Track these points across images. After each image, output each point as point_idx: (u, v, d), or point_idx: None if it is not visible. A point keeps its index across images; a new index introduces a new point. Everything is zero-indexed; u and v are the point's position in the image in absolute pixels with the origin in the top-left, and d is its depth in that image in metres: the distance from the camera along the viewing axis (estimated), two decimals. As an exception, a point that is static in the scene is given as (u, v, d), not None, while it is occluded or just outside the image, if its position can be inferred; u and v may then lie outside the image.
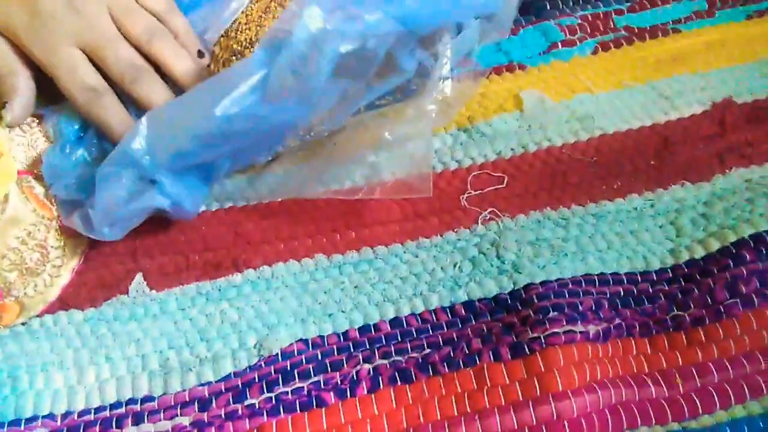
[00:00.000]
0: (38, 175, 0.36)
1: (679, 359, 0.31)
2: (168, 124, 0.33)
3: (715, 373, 0.31)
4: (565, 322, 0.31)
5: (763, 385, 0.30)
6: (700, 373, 0.31)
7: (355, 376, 0.32)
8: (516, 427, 0.29)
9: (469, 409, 0.30)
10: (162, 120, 0.33)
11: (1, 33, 0.37)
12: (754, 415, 0.30)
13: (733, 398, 0.30)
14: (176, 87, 0.38)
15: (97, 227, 0.34)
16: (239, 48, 0.37)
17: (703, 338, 0.32)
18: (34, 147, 0.36)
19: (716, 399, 0.30)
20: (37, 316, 0.34)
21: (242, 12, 0.40)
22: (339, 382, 0.31)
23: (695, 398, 0.30)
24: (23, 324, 0.34)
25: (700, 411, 0.30)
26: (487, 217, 0.37)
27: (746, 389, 0.30)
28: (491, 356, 0.31)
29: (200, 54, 0.39)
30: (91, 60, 0.36)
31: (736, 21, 0.44)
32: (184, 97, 0.34)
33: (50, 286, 0.34)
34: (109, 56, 0.36)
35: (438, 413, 0.30)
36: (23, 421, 0.31)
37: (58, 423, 0.31)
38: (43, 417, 0.31)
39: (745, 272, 0.33)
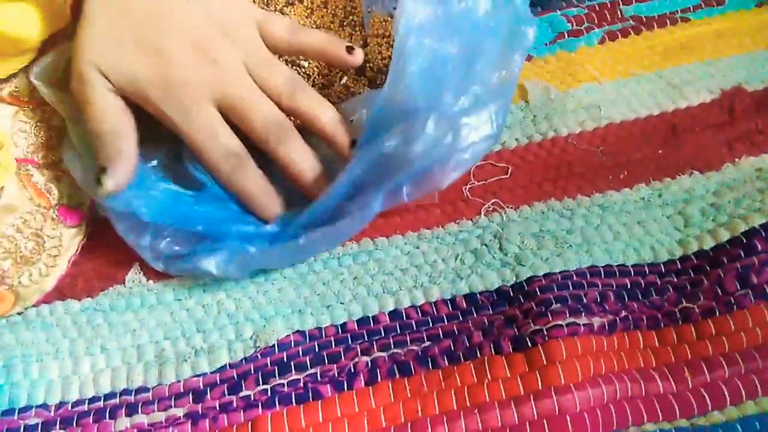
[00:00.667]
0: (39, 163, 0.35)
1: (688, 353, 0.30)
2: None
3: (725, 367, 0.30)
4: (568, 314, 0.31)
5: (775, 379, 0.29)
6: (710, 368, 0.30)
7: (352, 369, 0.31)
8: (517, 421, 0.28)
9: (468, 403, 0.29)
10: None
11: (123, 89, 0.32)
12: (766, 412, 0.29)
13: (744, 394, 0.29)
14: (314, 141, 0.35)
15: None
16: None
17: (713, 331, 0.31)
18: (38, 134, 0.36)
19: (726, 395, 0.29)
20: (33, 306, 0.34)
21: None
22: (336, 375, 0.31)
23: (704, 394, 0.29)
24: (19, 314, 0.34)
25: (710, 407, 0.29)
26: (491, 209, 0.36)
27: (758, 384, 0.29)
28: (492, 349, 0.31)
29: (350, 50, 0.35)
30: (226, 119, 0.33)
31: (746, 9, 0.43)
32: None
33: (46, 275, 0.34)
34: (253, 115, 0.32)
35: (437, 407, 0.29)
36: (17, 410, 0.31)
37: (52, 413, 0.31)
38: (37, 407, 0.31)
39: (756, 262, 0.32)
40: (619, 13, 0.44)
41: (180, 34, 0.32)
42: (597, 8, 0.44)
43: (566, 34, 0.44)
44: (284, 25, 0.35)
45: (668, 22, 0.43)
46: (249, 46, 0.33)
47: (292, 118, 0.35)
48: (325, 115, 0.34)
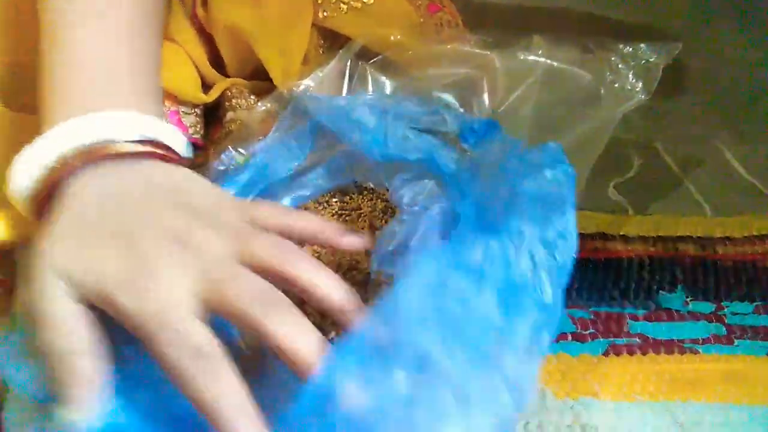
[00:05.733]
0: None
1: None
2: None
3: None
4: None
5: None
6: None
7: None
8: None
9: None
10: None
11: (86, 289, 0.27)
12: None
13: None
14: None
15: None
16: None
17: None
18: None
19: None
20: None
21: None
22: None
23: None
24: None
25: None
26: None
27: None
28: None
29: (343, 235, 0.31)
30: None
31: (756, 355, 0.41)
32: None
33: None
34: (231, 291, 0.26)
35: None
36: None
37: None
38: None
39: None
40: (625, 327, 0.43)
41: (156, 224, 0.28)
42: (603, 316, 0.43)
43: (570, 336, 0.42)
44: (269, 206, 0.32)
45: (676, 349, 0.41)
46: (231, 226, 0.29)
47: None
48: (323, 280, 0.27)
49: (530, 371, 0.30)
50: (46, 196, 0.29)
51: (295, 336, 0.25)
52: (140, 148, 0.29)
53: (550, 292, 0.31)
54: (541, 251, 0.32)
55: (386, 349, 0.29)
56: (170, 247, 0.27)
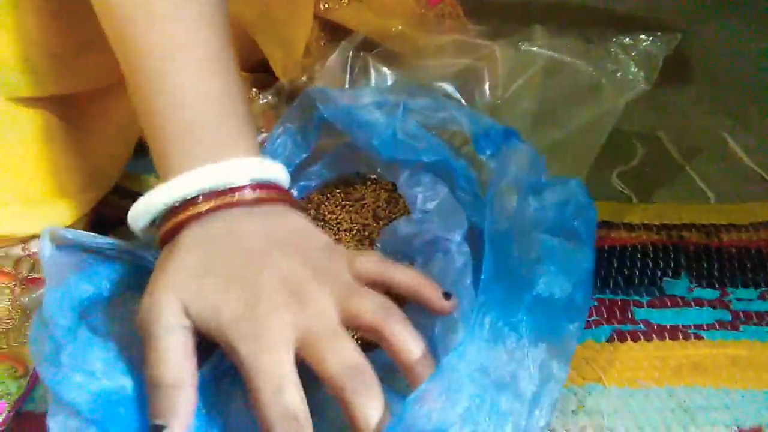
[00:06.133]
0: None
1: None
2: None
3: None
4: None
5: None
6: None
7: None
8: None
9: None
10: None
11: (202, 322, 0.29)
12: None
13: None
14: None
15: None
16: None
17: None
18: None
19: None
20: None
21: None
22: None
23: None
24: None
25: None
26: None
27: None
28: None
29: (447, 296, 0.32)
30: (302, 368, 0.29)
31: (761, 341, 0.41)
32: None
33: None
34: (330, 356, 0.28)
35: None
36: None
37: None
38: None
39: None
40: (629, 314, 0.42)
41: (272, 272, 0.30)
42: (607, 303, 0.43)
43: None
44: (374, 258, 0.33)
45: (681, 335, 0.41)
46: (339, 281, 0.31)
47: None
48: (413, 349, 0.29)
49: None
50: (170, 233, 0.32)
51: (374, 421, 0.28)
52: (258, 194, 0.32)
53: (566, 363, 0.32)
54: (562, 321, 0.32)
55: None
56: (284, 296, 0.30)
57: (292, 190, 0.44)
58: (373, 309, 0.30)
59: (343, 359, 0.28)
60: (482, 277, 0.31)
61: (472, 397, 0.29)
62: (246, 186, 0.32)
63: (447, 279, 0.34)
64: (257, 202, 0.32)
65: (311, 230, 0.33)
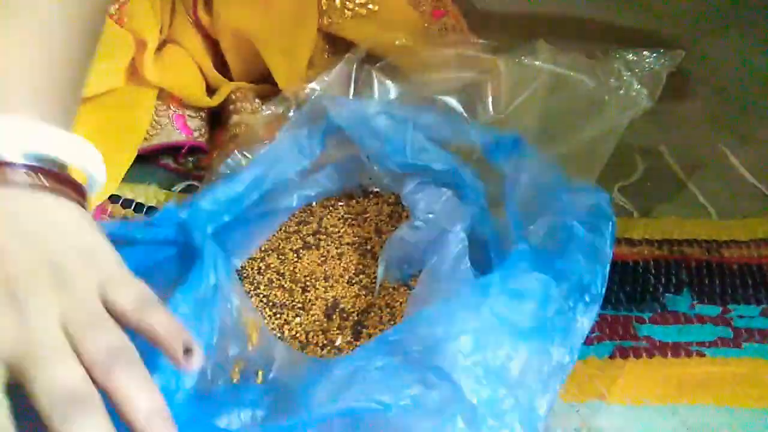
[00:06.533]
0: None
1: None
2: None
3: None
4: None
5: None
6: None
7: None
8: None
9: None
10: None
11: None
12: None
13: None
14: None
15: None
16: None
17: None
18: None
19: None
20: None
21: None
22: None
23: None
24: None
25: None
26: None
27: None
28: None
29: (187, 351, 0.26)
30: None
31: (764, 358, 0.41)
32: None
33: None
34: (39, 380, 0.24)
35: None
36: None
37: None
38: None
39: None
40: (631, 330, 0.42)
41: None
42: (609, 319, 0.43)
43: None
44: (134, 293, 0.27)
45: (683, 352, 0.41)
46: (77, 296, 0.26)
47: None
48: (140, 401, 0.24)
49: (543, 406, 0.30)
50: None
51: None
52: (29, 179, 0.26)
53: (577, 337, 0.32)
54: (577, 296, 0.32)
55: (409, 359, 0.29)
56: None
57: (290, 199, 0.44)
58: (105, 345, 0.25)
59: (58, 386, 0.24)
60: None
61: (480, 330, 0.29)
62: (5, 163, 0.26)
63: (444, 265, 0.34)
64: (21, 185, 0.26)
65: (82, 228, 0.27)
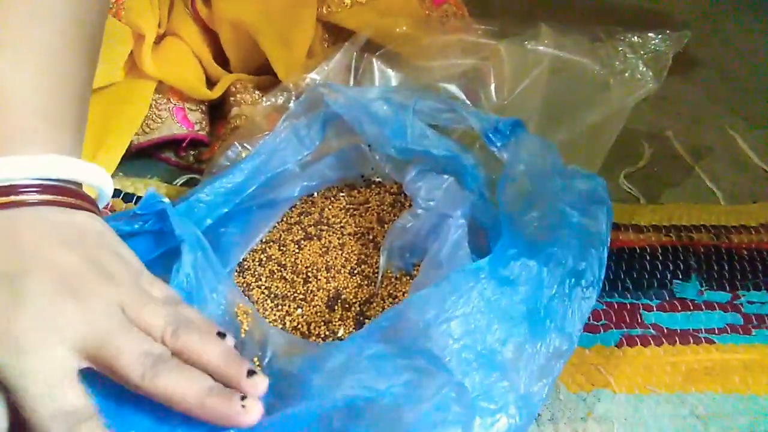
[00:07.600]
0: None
1: None
2: None
3: None
4: None
5: None
6: None
7: None
8: None
9: None
10: None
11: None
12: None
13: None
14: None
15: None
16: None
17: None
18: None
19: None
20: None
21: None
22: None
23: None
24: None
25: None
26: None
27: None
28: None
29: (221, 335, 0.29)
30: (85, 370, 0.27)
31: (774, 345, 0.41)
32: None
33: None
34: (119, 351, 0.27)
35: None
36: None
37: None
38: None
39: None
40: (639, 318, 0.42)
41: (43, 272, 0.28)
42: (616, 307, 0.42)
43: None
44: (164, 312, 0.29)
45: (692, 339, 0.40)
46: (126, 284, 0.29)
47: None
48: (210, 349, 0.28)
49: (540, 391, 0.30)
50: None
51: (186, 388, 0.27)
52: (46, 197, 0.30)
53: (575, 323, 0.31)
54: (572, 281, 0.32)
55: (400, 344, 0.29)
56: (59, 296, 0.27)
57: (292, 190, 0.43)
58: (166, 318, 0.28)
59: (134, 350, 0.27)
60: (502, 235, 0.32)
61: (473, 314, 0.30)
62: (32, 186, 0.29)
63: (443, 250, 0.34)
64: (45, 203, 0.29)
65: (107, 235, 0.31)
